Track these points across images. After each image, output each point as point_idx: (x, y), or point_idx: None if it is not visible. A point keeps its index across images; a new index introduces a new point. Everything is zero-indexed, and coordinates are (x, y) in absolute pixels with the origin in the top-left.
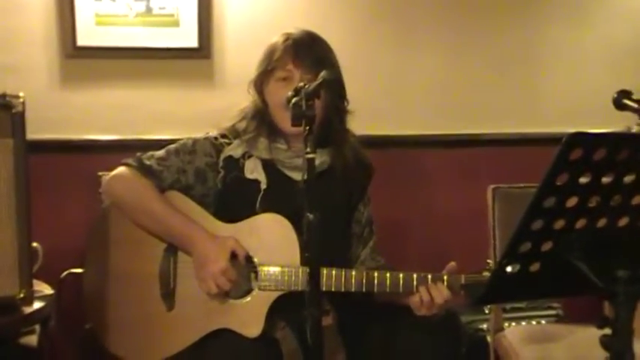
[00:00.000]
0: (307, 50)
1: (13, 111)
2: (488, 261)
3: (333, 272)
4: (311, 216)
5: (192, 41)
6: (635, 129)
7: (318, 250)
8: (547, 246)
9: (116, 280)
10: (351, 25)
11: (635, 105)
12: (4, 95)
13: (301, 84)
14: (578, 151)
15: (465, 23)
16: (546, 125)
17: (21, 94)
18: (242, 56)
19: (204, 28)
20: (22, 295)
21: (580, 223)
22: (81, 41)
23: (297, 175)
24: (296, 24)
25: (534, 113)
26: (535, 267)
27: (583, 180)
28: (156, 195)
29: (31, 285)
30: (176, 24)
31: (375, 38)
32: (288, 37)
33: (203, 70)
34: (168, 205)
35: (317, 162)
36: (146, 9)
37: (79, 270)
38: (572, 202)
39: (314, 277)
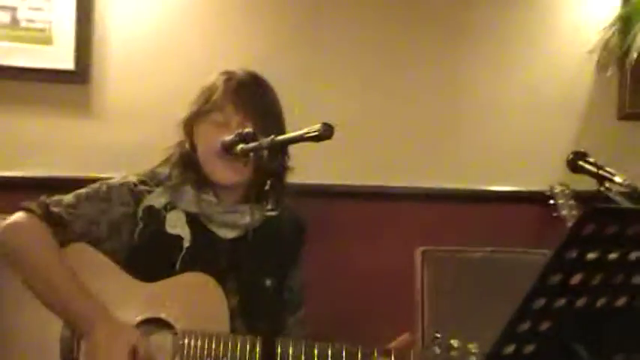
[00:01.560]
0: (251, 96)
1: None
2: (437, 335)
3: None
4: (269, 281)
5: (68, 63)
6: (557, 189)
7: (275, 321)
8: (545, 325)
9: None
10: (259, 55)
11: (592, 168)
12: None
13: (247, 130)
14: (590, 226)
15: (386, 63)
16: (464, 180)
17: None
18: (126, 84)
19: (82, 48)
20: None
21: (580, 302)
22: None
23: (225, 233)
24: (193, 48)
25: (453, 166)
26: (529, 348)
27: (591, 256)
28: (59, 258)
29: None
30: (48, 41)
31: (285, 71)
32: (230, 77)
33: (79, 97)
34: (73, 277)
35: (247, 219)
36: (12, 21)
37: None
38: (576, 279)
39: (269, 354)
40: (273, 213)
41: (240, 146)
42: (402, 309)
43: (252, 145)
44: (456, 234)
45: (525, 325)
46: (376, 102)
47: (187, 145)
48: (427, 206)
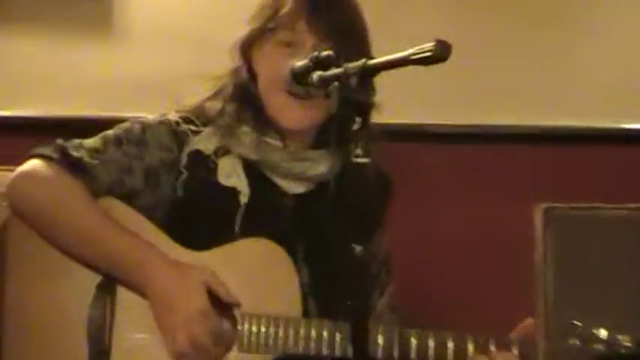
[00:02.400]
0: (330, 9)
1: None
2: (575, 323)
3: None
4: (358, 248)
5: None
6: None
7: (366, 301)
8: None
9: (18, 333)
10: None
11: None
12: None
13: (325, 52)
14: None
15: None
16: (583, 116)
17: None
18: None
19: None
20: None
21: None
22: None
23: (292, 186)
24: None
25: (577, 99)
26: None
27: None
28: (89, 202)
29: None
30: None
31: None
32: None
33: (96, 14)
34: (109, 219)
35: (321, 169)
36: None
37: None
38: None
39: (363, 339)
40: (364, 160)
41: (318, 74)
42: (517, 284)
43: (334, 71)
44: (582, 186)
45: None
46: (475, 23)
47: (245, 74)
48: (542, 150)
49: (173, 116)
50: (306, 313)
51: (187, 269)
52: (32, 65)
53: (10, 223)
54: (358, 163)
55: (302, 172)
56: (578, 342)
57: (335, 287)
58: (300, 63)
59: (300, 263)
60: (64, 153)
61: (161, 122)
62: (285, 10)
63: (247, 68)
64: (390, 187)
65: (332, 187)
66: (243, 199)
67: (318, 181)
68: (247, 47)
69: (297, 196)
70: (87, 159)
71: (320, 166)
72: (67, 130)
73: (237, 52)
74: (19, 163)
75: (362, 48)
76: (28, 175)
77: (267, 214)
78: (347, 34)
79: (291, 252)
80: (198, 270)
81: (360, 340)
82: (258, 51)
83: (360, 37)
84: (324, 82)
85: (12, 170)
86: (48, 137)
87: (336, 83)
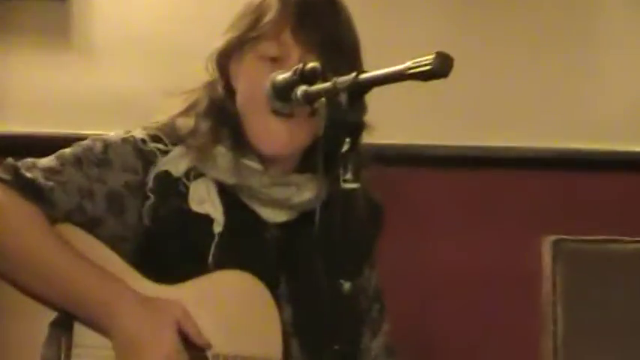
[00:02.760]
0: (319, 18)
1: None
2: None
3: None
4: (347, 284)
5: None
6: None
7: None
8: None
9: None
10: None
11: None
12: None
13: (311, 65)
14: None
15: None
16: (598, 138)
17: None
18: (120, 1)
19: None
20: None
21: None
22: None
23: (271, 215)
24: None
25: (584, 122)
26: None
27: None
28: (46, 230)
29: None
30: None
31: None
32: None
33: (52, 21)
34: (69, 249)
35: (306, 195)
36: None
37: None
38: None
39: None
40: (353, 185)
41: (302, 89)
42: (523, 320)
43: (321, 86)
44: (595, 216)
45: None
46: (480, 35)
47: (221, 89)
48: (553, 175)
49: (139, 134)
50: (287, 356)
51: (157, 307)
52: None
53: None
54: (347, 189)
55: (285, 198)
56: None
57: (321, 327)
58: (282, 76)
59: (282, 300)
60: (15, 174)
61: (125, 140)
62: (268, 17)
63: (224, 83)
64: (382, 216)
65: (318, 216)
66: (218, 227)
67: (302, 209)
68: (224, 59)
69: (279, 225)
70: (42, 180)
71: (305, 192)
72: (19, 149)
73: (212, 64)
74: None
75: (353, 62)
76: None
77: (245, 245)
78: (337, 46)
79: (272, 287)
80: (169, 307)
81: None
82: (236, 64)
83: (352, 51)
84: (310, 98)
85: None
86: None
87: (323, 100)
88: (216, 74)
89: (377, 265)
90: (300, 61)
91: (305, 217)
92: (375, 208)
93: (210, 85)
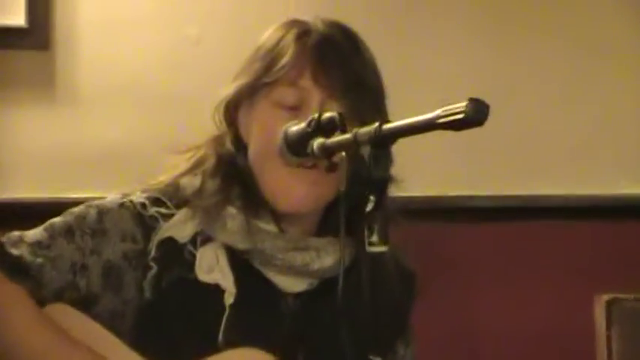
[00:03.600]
0: (341, 58)
1: None
2: None
3: None
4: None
5: (17, 17)
6: None
7: None
8: None
9: None
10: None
11: None
12: None
13: (328, 114)
14: None
15: (510, 20)
16: None
17: None
18: (106, 48)
19: None
20: None
21: None
22: None
23: (288, 284)
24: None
25: (635, 164)
26: None
27: None
28: (35, 315)
29: None
30: None
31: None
32: (305, 30)
33: (35, 69)
34: (61, 337)
35: (328, 261)
36: None
37: None
38: None
39: None
40: (380, 249)
41: (319, 142)
42: None
43: (340, 138)
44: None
45: None
46: (515, 75)
47: (229, 143)
48: (603, 225)
49: (138, 198)
50: None
51: None
52: None
53: None
54: (373, 254)
55: (303, 264)
56: None
57: None
58: (295, 127)
59: None
60: (1, 250)
61: (122, 205)
62: (284, 60)
63: (232, 135)
64: (415, 283)
65: (340, 284)
66: (229, 299)
67: (323, 276)
68: (233, 109)
69: (297, 295)
70: (29, 257)
71: (326, 257)
72: (3, 217)
73: (219, 114)
74: None
75: (378, 106)
76: None
77: (259, 318)
78: (361, 88)
79: None
80: None
81: None
82: (246, 113)
83: (376, 93)
84: (328, 151)
85: None
86: None
87: (343, 154)
88: (223, 126)
89: (413, 342)
90: (320, 108)
91: (326, 285)
92: (407, 275)
93: (217, 140)
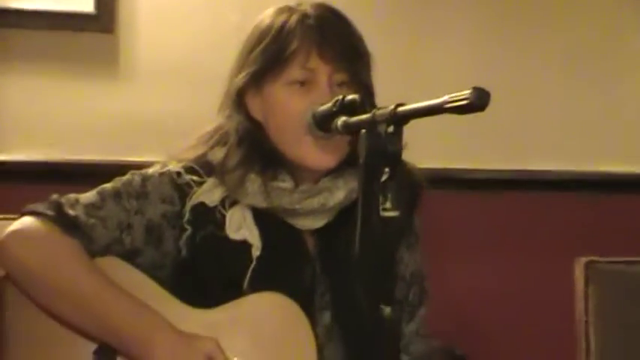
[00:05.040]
0: (339, 35)
1: None
2: None
3: None
4: (387, 309)
5: (87, 4)
6: None
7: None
8: None
9: None
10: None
11: None
12: None
13: (350, 97)
14: None
15: (513, 17)
16: (627, 161)
17: None
18: (162, 32)
19: None
20: None
21: None
22: None
23: (308, 223)
24: None
25: (616, 143)
26: None
27: None
28: (87, 265)
29: None
30: None
31: (382, 27)
32: (303, 13)
33: (102, 50)
34: (109, 284)
35: (341, 195)
36: None
37: None
38: None
39: None
40: (393, 214)
41: (342, 119)
42: (556, 342)
43: (361, 118)
44: (627, 237)
45: None
46: (511, 65)
47: (244, 121)
48: (584, 197)
49: (175, 167)
50: None
51: (190, 342)
52: (30, 105)
53: (5, 285)
54: (387, 218)
55: (321, 205)
56: None
57: (359, 333)
58: (322, 107)
59: (320, 308)
60: (59, 211)
61: (162, 174)
62: (294, 45)
63: (244, 116)
64: (419, 193)
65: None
66: (256, 252)
67: (340, 208)
68: (242, 95)
69: (317, 231)
70: (84, 218)
71: (338, 192)
72: (67, 175)
73: (230, 99)
74: (13, 212)
75: (369, 69)
76: (20, 235)
77: (283, 265)
78: (359, 56)
79: (311, 298)
80: (202, 342)
81: None
82: (264, 94)
83: (369, 58)
84: (350, 128)
85: (5, 219)
86: (46, 184)
87: (363, 131)
88: (234, 109)
89: (418, 246)
90: (329, 79)
91: (341, 216)
92: (414, 184)
93: (235, 119)
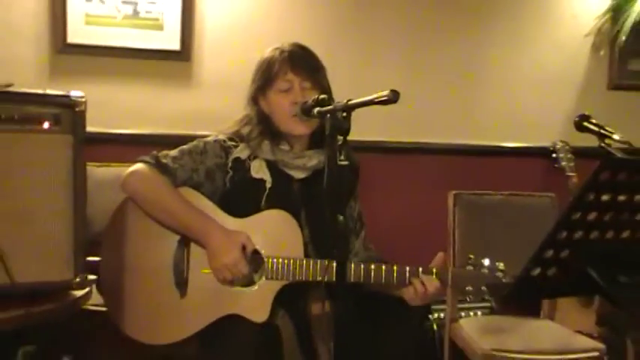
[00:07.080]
0: (302, 59)
1: (77, 109)
2: (470, 256)
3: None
4: (341, 217)
5: (175, 44)
6: (559, 145)
7: (342, 247)
8: (565, 253)
9: (131, 269)
10: (318, 34)
11: (595, 128)
12: (67, 95)
13: (322, 96)
14: (606, 173)
15: (419, 41)
16: (482, 137)
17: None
18: (218, 60)
19: (186, 32)
20: (77, 280)
21: (593, 235)
22: (71, 39)
23: (297, 174)
24: (269, 32)
25: (473, 126)
26: (552, 271)
27: (604, 197)
28: (172, 191)
29: (84, 271)
30: (160, 27)
31: (339, 47)
32: (281, 50)
33: (182, 72)
34: (184, 202)
35: (314, 162)
36: (133, 12)
37: (94, 258)
38: (592, 216)
39: (342, 272)
40: (345, 163)
41: (317, 109)
42: (437, 242)
43: (327, 107)
44: (476, 181)
45: (550, 252)
46: (410, 74)
47: (259, 113)
48: (455, 160)
49: (221, 136)
50: (307, 256)
51: (231, 234)
52: (139, 104)
53: (126, 201)
54: (341, 164)
55: (303, 164)
56: (472, 268)
57: (326, 240)
58: (307, 103)
59: (303, 224)
60: (157, 160)
61: (215, 141)
62: (276, 68)
63: (257, 111)
64: (358, 169)
65: (325, 176)
66: (268, 185)
67: (313, 169)
68: (255, 98)
69: (301, 180)
70: (171, 164)
71: (313, 160)
72: (160, 142)
73: (249, 102)
74: (131, 162)
75: (325, 79)
76: (136, 174)
77: (282, 194)
78: (317, 70)
79: (297, 217)
80: (238, 235)
81: (340, 271)
82: (265, 98)
83: (324, 72)
84: (321, 114)
85: (120, 166)
86: (148, 147)
87: (328, 115)
88: (252, 107)
89: (358, 199)
90: (300, 85)
91: (315, 175)
92: (355, 166)
93: (254, 111)
